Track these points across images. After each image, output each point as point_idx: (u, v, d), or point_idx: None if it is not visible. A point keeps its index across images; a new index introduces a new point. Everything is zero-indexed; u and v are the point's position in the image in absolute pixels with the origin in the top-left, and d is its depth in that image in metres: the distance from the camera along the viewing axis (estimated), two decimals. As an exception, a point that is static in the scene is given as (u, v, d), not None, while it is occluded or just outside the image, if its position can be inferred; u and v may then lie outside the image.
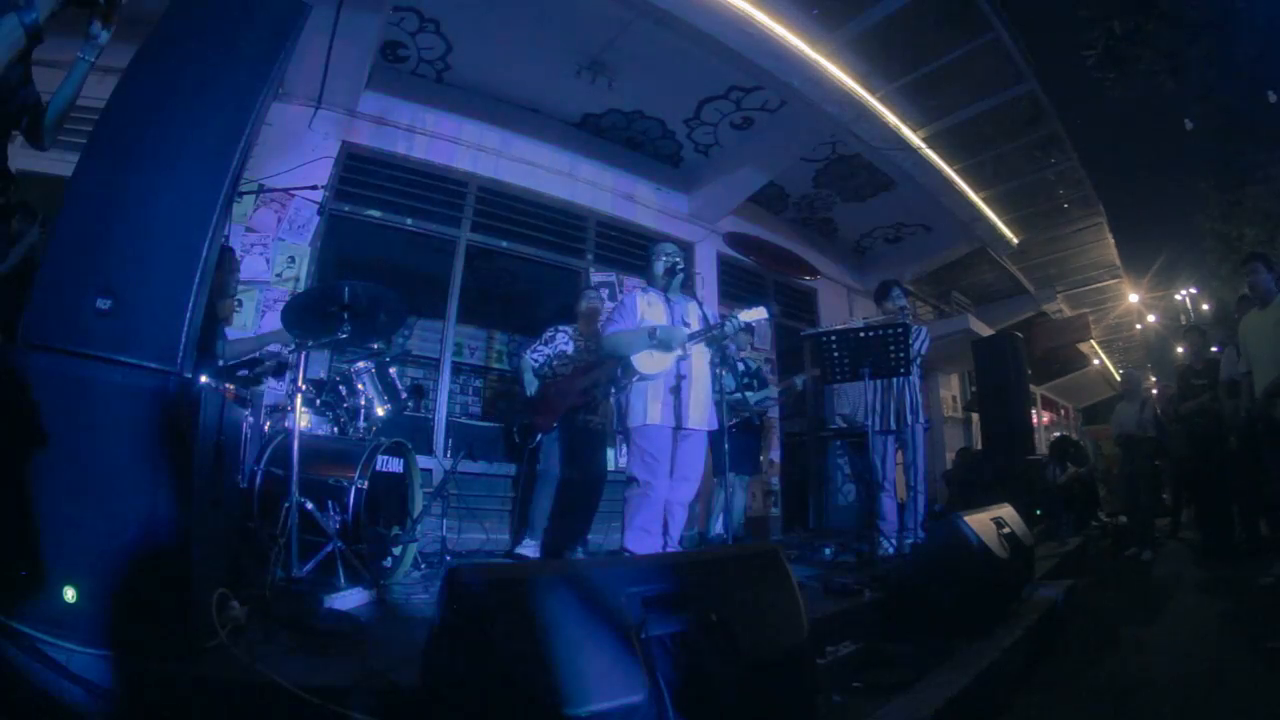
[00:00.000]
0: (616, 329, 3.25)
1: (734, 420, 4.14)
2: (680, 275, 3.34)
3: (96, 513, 1.51)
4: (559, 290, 5.89)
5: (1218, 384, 4.72)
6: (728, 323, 3.22)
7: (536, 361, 4.06)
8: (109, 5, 1.77)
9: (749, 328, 3.36)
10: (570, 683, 1.07)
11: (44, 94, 1.87)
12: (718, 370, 3.38)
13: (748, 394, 4.40)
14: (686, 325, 3.25)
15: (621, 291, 5.91)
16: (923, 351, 4.14)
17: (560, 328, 4.19)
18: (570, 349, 4.10)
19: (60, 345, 1.55)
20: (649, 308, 3.26)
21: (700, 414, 3.19)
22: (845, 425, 4.69)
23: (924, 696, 1.79)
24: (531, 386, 3.98)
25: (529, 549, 3.92)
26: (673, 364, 3.16)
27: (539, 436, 3.93)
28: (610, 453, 5.39)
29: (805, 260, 7.79)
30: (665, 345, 3.13)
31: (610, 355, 3.30)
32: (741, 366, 4.88)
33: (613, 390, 3.35)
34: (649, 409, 3.11)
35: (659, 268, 3.35)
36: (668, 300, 3.32)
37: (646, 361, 3.14)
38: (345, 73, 4.60)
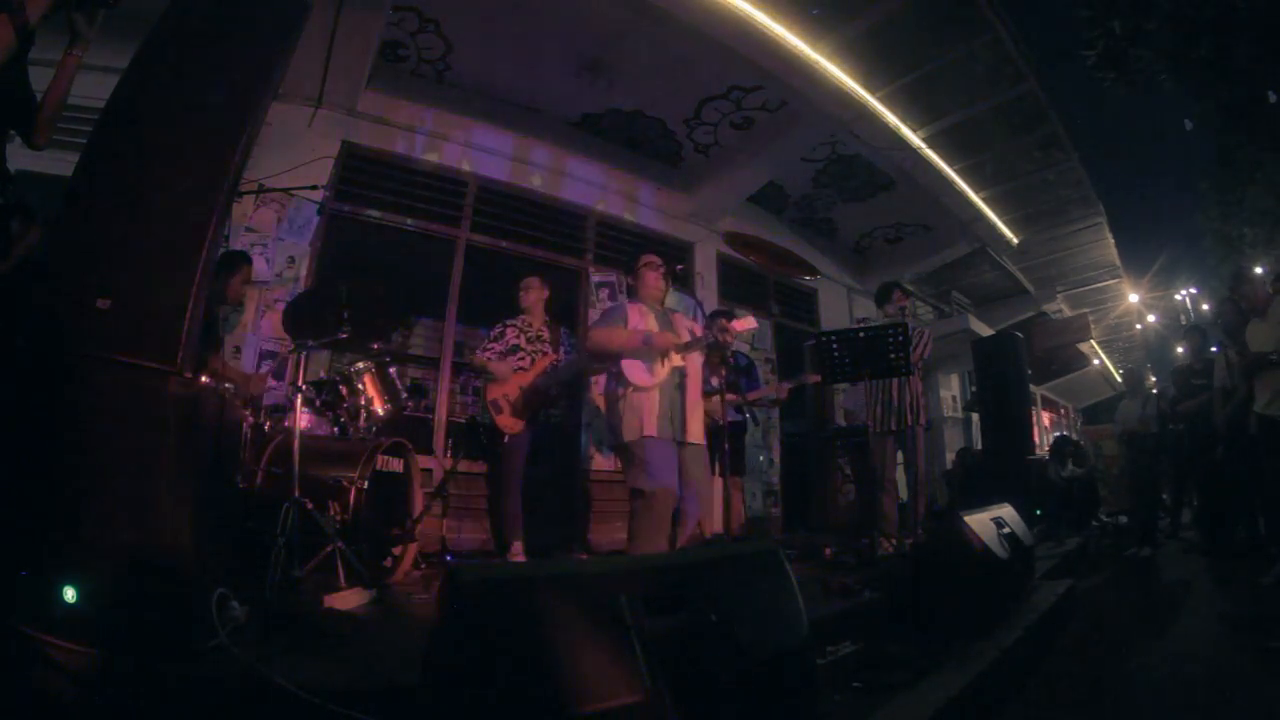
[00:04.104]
0: (605, 325, 3.06)
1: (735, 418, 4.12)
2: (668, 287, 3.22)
3: (97, 512, 1.51)
4: (559, 290, 5.89)
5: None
6: (717, 332, 3.07)
7: (492, 360, 4.05)
8: (94, 10, 1.77)
9: (748, 334, 3.28)
10: (570, 683, 1.07)
11: (38, 93, 1.87)
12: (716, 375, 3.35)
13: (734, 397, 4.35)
14: (675, 337, 3.08)
15: (621, 292, 5.91)
16: (925, 355, 4.15)
17: (507, 322, 4.13)
18: (522, 340, 4.08)
19: (60, 345, 1.55)
20: (641, 318, 3.10)
21: (698, 426, 3.05)
22: (846, 424, 4.70)
23: (924, 696, 1.79)
24: (499, 366, 3.97)
25: (519, 555, 3.90)
26: (668, 376, 2.99)
27: (506, 436, 3.91)
28: (604, 451, 5.41)
29: (805, 260, 7.77)
30: (661, 351, 2.97)
31: (596, 353, 3.09)
32: (735, 361, 4.86)
33: (594, 396, 3.22)
34: (645, 423, 2.90)
35: (650, 280, 3.17)
36: (662, 312, 3.20)
37: (640, 373, 2.95)
38: (345, 73, 4.60)
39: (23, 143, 1.87)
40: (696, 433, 3.04)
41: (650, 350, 2.95)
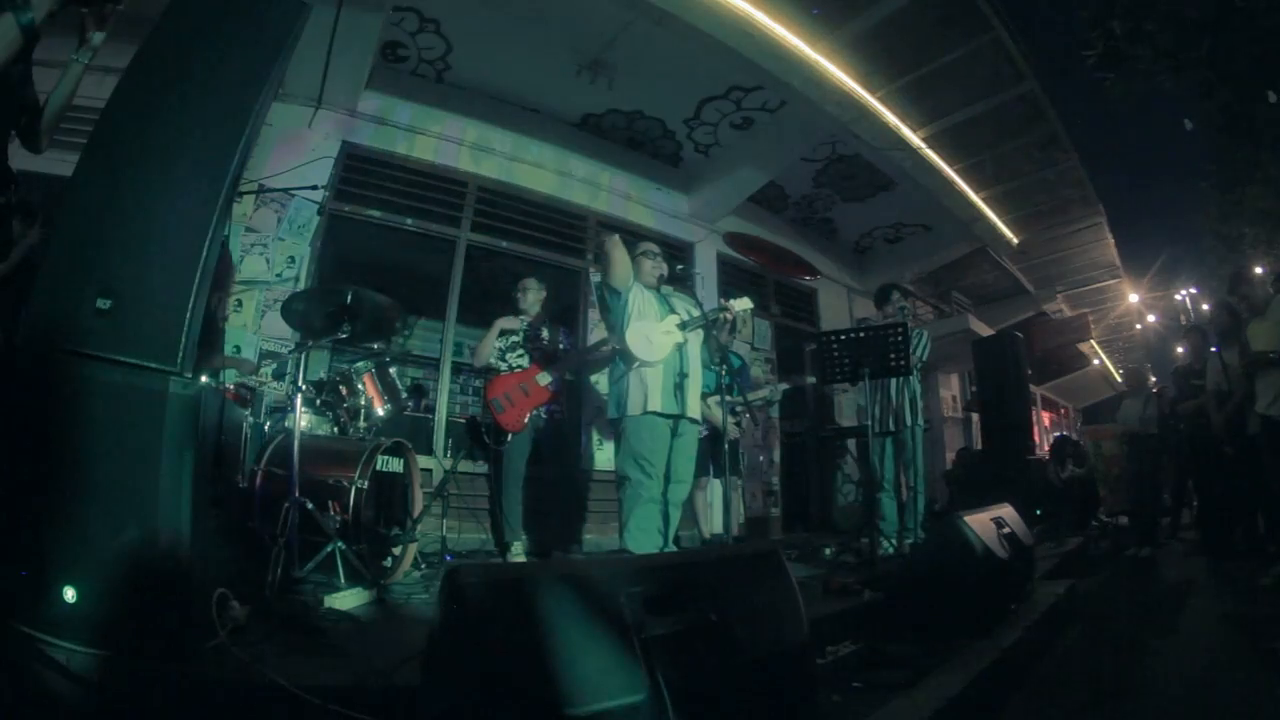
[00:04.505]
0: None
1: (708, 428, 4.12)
2: (663, 280, 3.39)
3: (97, 512, 1.51)
4: (559, 290, 5.90)
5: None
6: (715, 311, 3.29)
7: (493, 358, 4.07)
8: (104, 7, 1.77)
9: (733, 320, 3.41)
10: (570, 683, 1.07)
11: (41, 94, 1.87)
12: (718, 367, 3.43)
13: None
14: (676, 315, 3.30)
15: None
16: (924, 357, 4.14)
17: (506, 321, 4.19)
18: (520, 338, 4.11)
19: (60, 345, 1.55)
20: (639, 296, 3.31)
21: (696, 404, 3.23)
22: (859, 423, 4.71)
23: (924, 696, 1.79)
24: (486, 347, 3.99)
25: (518, 556, 3.91)
26: (672, 351, 3.18)
27: (509, 436, 3.93)
28: (605, 450, 5.41)
29: (805, 260, 7.79)
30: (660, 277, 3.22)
31: (610, 281, 3.31)
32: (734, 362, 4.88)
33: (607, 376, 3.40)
34: (650, 396, 3.10)
35: (647, 266, 3.40)
36: (660, 295, 3.38)
37: (645, 347, 3.15)
38: (345, 73, 4.60)
39: (22, 145, 1.87)
40: (695, 408, 3.23)
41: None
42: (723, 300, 3.48)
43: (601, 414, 5.47)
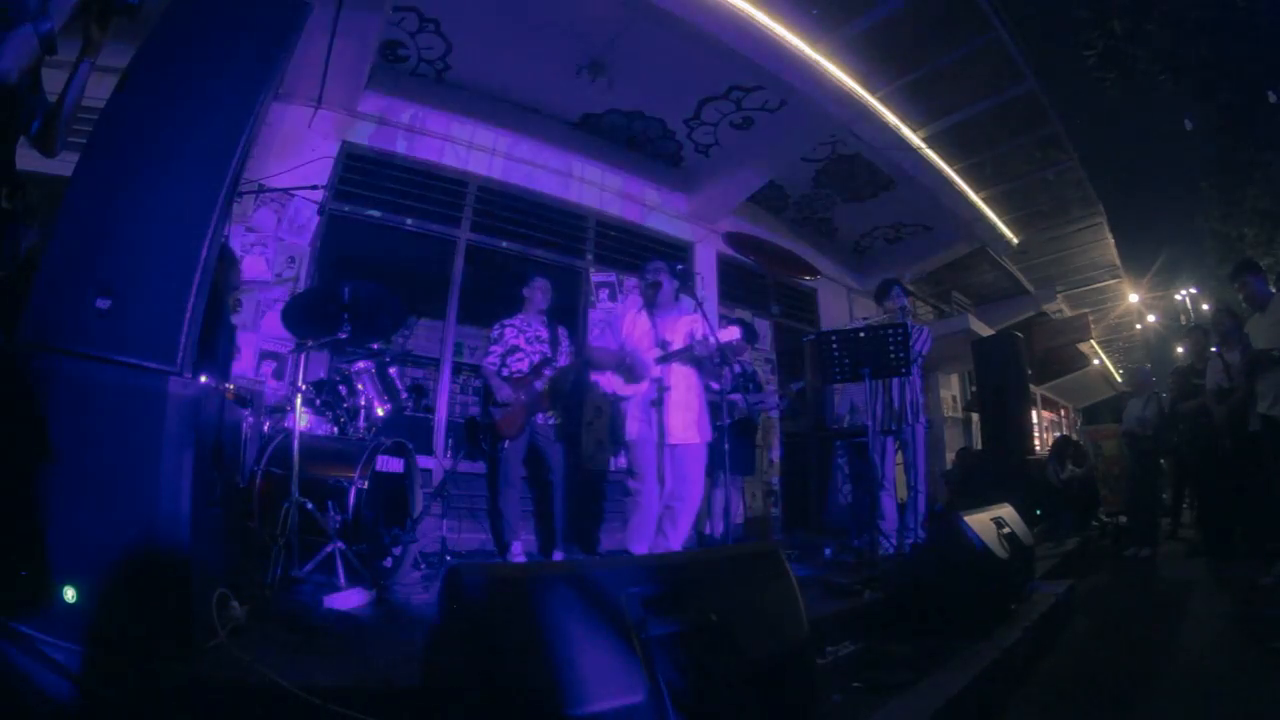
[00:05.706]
0: (597, 344, 3.57)
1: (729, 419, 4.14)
2: (658, 292, 3.43)
3: (97, 512, 1.51)
4: (559, 290, 5.89)
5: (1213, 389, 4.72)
6: (698, 346, 3.29)
7: (494, 364, 4.06)
8: (111, 17, 1.77)
9: (731, 345, 3.40)
10: (570, 683, 1.07)
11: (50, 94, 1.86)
12: (709, 382, 3.46)
13: (740, 396, 4.38)
14: (668, 344, 3.32)
15: (621, 291, 5.92)
16: (924, 352, 4.14)
17: (505, 322, 4.17)
18: (521, 340, 4.11)
19: (60, 345, 1.55)
20: (634, 325, 3.42)
21: (683, 428, 3.25)
22: (846, 425, 4.70)
23: (924, 696, 1.79)
24: (503, 390, 3.98)
25: (518, 556, 3.91)
26: (649, 383, 3.29)
27: (505, 441, 3.93)
28: (606, 452, 5.42)
29: (805, 260, 7.79)
30: (629, 373, 3.30)
31: (589, 367, 3.54)
32: (738, 369, 4.88)
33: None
34: (629, 426, 3.29)
35: (642, 287, 3.51)
36: (653, 319, 3.41)
37: (619, 384, 3.35)
38: (345, 73, 4.60)
39: (36, 151, 1.86)
40: (680, 434, 3.27)
41: (628, 368, 3.34)
42: (711, 332, 3.44)
43: (601, 416, 5.48)
